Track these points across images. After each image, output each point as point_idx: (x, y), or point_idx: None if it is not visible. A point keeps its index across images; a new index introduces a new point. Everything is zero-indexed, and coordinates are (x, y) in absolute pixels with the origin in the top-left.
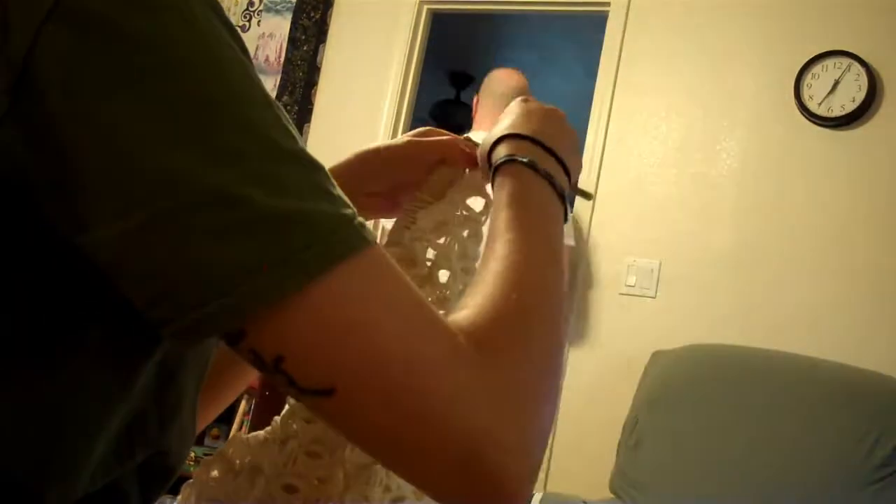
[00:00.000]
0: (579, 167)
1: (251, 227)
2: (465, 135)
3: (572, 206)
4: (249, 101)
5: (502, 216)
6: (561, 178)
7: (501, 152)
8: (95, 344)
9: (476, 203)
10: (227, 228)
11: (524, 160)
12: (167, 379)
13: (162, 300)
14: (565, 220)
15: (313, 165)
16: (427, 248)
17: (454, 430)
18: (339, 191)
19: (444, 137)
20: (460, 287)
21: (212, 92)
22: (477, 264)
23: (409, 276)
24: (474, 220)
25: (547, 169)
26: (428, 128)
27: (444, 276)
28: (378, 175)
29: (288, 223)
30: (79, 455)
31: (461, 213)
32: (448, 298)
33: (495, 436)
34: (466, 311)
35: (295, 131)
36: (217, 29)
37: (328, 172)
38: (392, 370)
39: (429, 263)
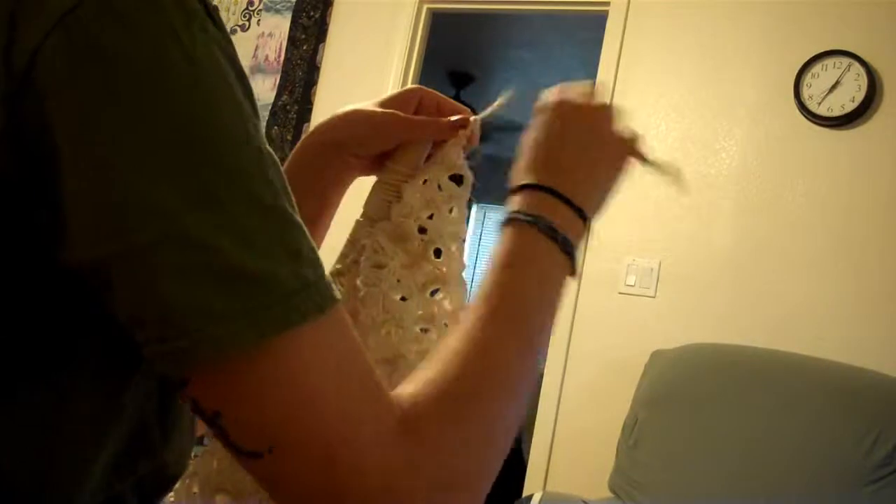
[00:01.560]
0: (607, 189)
1: (213, 276)
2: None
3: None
4: (239, 146)
5: (484, 285)
6: (573, 226)
7: (509, 207)
8: (86, 358)
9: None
10: (189, 272)
11: (526, 219)
12: (168, 392)
13: (130, 326)
14: (573, 272)
15: (290, 223)
16: (417, 224)
17: None
18: (311, 249)
19: (436, 121)
20: (456, 266)
21: (203, 131)
22: (461, 245)
23: (402, 251)
24: (458, 198)
25: (554, 222)
26: (414, 87)
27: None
28: (367, 141)
29: (248, 280)
30: (79, 470)
31: (444, 192)
32: (445, 276)
33: None
34: (414, 386)
35: (282, 179)
36: (220, 66)
37: (305, 229)
38: (325, 443)
39: (423, 239)
